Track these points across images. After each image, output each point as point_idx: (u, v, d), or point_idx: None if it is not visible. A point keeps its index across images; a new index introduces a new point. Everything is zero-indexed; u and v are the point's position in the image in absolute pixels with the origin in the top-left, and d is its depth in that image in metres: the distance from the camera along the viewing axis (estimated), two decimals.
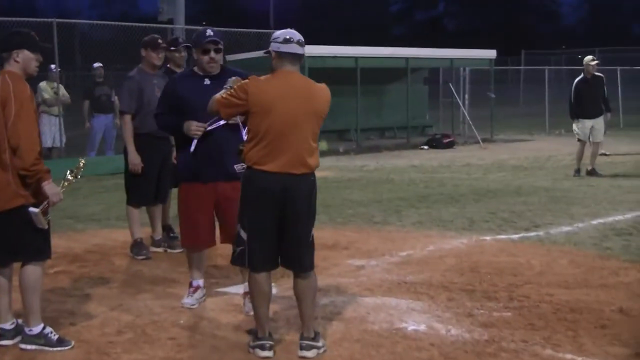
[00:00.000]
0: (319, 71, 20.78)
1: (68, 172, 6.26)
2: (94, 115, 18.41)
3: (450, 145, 23.14)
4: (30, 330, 6.14)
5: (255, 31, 22.15)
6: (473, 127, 24.06)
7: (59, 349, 6.12)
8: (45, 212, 6.00)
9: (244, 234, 6.07)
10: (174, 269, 8.67)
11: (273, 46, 6.09)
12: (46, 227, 6.03)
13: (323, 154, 20.91)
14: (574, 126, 16.43)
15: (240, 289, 7.49)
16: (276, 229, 6.04)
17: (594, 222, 11.19)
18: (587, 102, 16.16)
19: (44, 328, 6.17)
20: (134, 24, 19.17)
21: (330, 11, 56.35)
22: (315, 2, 62.20)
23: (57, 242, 8.35)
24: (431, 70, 27.25)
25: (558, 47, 57.80)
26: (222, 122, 6.89)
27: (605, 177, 15.94)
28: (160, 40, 9.16)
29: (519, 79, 42.95)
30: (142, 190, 9.12)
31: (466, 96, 25.42)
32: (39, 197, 5.99)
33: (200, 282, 7.52)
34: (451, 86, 25.17)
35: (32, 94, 6.12)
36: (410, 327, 6.69)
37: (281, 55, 6.07)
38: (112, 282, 8.28)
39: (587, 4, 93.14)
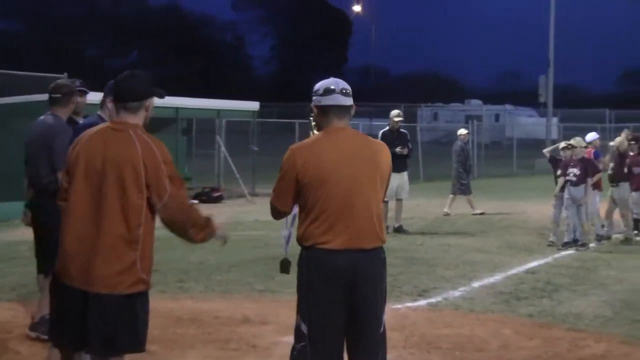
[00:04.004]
0: None
1: None
2: None
3: (219, 199, 22.34)
4: None
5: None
6: (240, 181, 23.39)
7: None
8: None
9: (304, 327, 5.07)
10: None
11: (314, 100, 5.17)
12: None
13: None
14: None
15: None
16: (344, 319, 5.07)
17: (475, 285, 11.12)
18: (393, 156, 16.09)
19: None
20: None
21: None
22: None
23: None
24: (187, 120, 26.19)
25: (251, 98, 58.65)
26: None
27: (413, 234, 15.96)
28: None
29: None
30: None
31: (222, 148, 24.58)
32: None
33: None
34: (219, 138, 24.37)
35: None
36: None
37: (324, 109, 5.14)
38: None
39: (276, 60, 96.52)
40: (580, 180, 13.96)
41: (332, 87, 5.12)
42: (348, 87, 5.18)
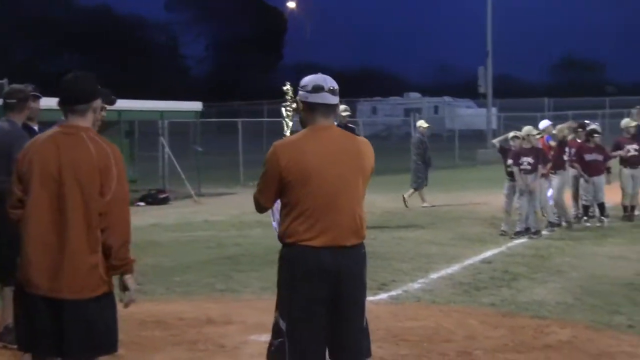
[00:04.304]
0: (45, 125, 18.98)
1: None
2: None
3: (165, 200, 22.11)
4: None
5: None
6: (186, 182, 23.16)
7: None
8: None
9: (282, 324, 5.06)
10: None
11: (301, 95, 5.13)
12: None
13: None
14: None
15: None
16: (325, 314, 5.05)
17: (433, 276, 11.15)
18: None
19: None
20: None
21: None
22: None
23: None
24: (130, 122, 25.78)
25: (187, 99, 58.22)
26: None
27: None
28: None
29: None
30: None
31: (166, 149, 24.33)
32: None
33: None
34: (163, 140, 24.09)
35: None
36: None
37: (311, 106, 5.10)
38: None
39: (210, 59, 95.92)
40: (534, 168, 14.11)
41: (322, 85, 5.07)
42: (336, 85, 5.14)
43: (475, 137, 44.66)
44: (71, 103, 4.98)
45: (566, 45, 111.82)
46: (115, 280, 5.06)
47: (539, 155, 14.24)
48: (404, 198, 19.81)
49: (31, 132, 7.66)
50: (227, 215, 18.93)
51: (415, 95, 62.38)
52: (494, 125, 42.53)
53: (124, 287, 5.10)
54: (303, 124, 5.17)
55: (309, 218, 4.95)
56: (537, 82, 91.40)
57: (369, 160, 5.20)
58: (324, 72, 5.26)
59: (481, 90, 42.72)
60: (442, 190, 23.61)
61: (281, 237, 5.05)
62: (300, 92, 5.12)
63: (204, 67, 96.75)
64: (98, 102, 5.08)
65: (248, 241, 14.56)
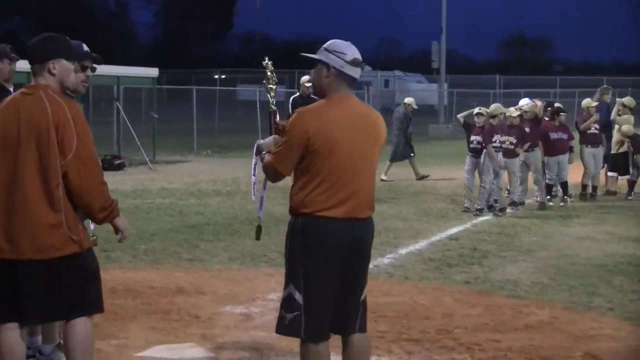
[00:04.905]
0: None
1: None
2: None
3: (120, 167, 21.73)
4: None
5: None
6: (142, 149, 22.79)
7: None
8: None
9: (299, 297, 4.94)
10: None
11: (335, 61, 4.96)
12: None
13: None
14: None
15: (159, 351, 6.59)
16: (337, 287, 4.99)
17: (402, 252, 11.04)
18: None
19: None
20: None
21: None
22: None
23: None
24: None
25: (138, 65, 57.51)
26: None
27: None
28: None
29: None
30: None
31: (121, 115, 23.91)
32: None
33: None
34: (119, 105, 23.66)
35: None
36: None
37: (343, 76, 4.98)
38: None
39: (160, 26, 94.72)
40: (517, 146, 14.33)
41: (360, 61, 4.99)
42: None
43: (426, 112, 44.57)
44: (30, 62, 5.02)
45: (516, 23, 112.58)
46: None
47: (520, 133, 14.41)
48: (419, 175, 19.82)
49: (8, 95, 7.36)
50: (183, 184, 18.67)
51: (366, 68, 62.01)
52: (445, 101, 42.50)
53: (117, 230, 5.11)
54: (322, 89, 5.03)
55: (329, 188, 4.87)
56: (486, 59, 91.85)
57: (383, 131, 5.16)
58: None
59: (434, 65, 42.58)
60: (397, 164, 23.52)
61: (296, 207, 4.93)
62: (332, 57, 4.96)
63: (154, 33, 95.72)
64: (60, 64, 5.01)
65: (209, 210, 14.34)
